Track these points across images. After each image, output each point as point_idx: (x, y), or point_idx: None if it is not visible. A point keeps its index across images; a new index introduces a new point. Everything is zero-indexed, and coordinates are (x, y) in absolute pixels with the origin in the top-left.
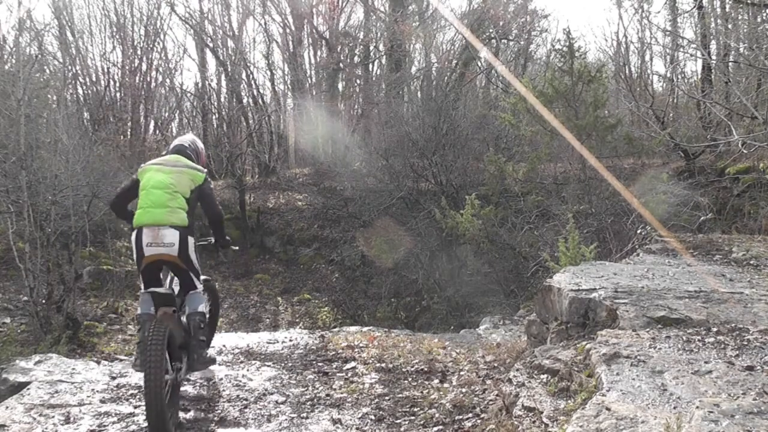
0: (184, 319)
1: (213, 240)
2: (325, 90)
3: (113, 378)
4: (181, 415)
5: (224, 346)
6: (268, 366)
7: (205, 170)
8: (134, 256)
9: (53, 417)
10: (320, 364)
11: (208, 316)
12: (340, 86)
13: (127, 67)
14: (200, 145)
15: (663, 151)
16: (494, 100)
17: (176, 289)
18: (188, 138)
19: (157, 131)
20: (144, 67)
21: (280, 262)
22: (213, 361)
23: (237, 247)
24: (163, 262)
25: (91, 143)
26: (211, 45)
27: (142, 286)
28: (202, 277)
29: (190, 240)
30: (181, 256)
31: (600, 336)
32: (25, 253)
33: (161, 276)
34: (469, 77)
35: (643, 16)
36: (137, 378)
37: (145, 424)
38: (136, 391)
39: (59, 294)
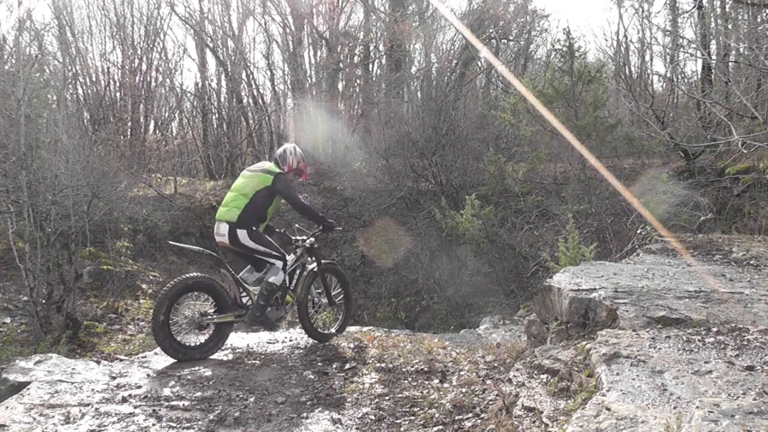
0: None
1: (320, 228)
2: (325, 90)
3: (113, 378)
4: (182, 414)
5: (225, 345)
6: (268, 366)
7: (276, 172)
8: None
9: (53, 417)
10: (320, 364)
11: (278, 284)
12: (340, 86)
13: (127, 67)
14: (289, 153)
15: (663, 151)
16: (494, 100)
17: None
18: (282, 147)
19: (157, 131)
20: (144, 67)
21: None
22: (267, 324)
23: (340, 228)
24: (228, 248)
25: (91, 143)
26: (211, 45)
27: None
28: (324, 260)
29: (240, 232)
30: (232, 243)
31: (600, 336)
32: (25, 253)
33: (247, 263)
34: (469, 77)
35: (643, 16)
36: (137, 378)
37: (145, 424)
38: (136, 391)
39: (59, 294)
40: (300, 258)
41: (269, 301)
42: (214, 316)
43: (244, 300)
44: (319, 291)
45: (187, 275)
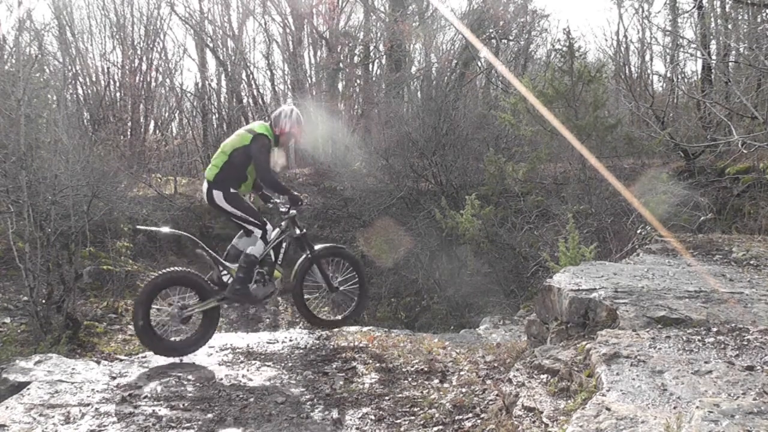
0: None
1: (287, 204)
2: (325, 90)
3: (113, 378)
4: (182, 414)
5: (224, 345)
6: (268, 366)
7: (257, 133)
8: None
9: (53, 417)
10: (320, 364)
11: (257, 255)
12: (340, 86)
13: (127, 67)
14: (284, 116)
15: (663, 151)
16: (494, 100)
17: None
18: (279, 108)
19: (157, 131)
20: (144, 67)
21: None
22: (250, 299)
23: (302, 204)
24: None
25: (91, 143)
26: (211, 45)
27: None
28: (329, 244)
29: (215, 193)
30: (209, 202)
31: (600, 336)
32: (25, 253)
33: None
34: (469, 77)
35: (643, 16)
36: (137, 378)
37: (145, 425)
38: (136, 391)
39: (59, 294)
40: (285, 231)
41: (250, 275)
42: (195, 306)
43: (225, 278)
44: (326, 275)
45: (156, 274)
